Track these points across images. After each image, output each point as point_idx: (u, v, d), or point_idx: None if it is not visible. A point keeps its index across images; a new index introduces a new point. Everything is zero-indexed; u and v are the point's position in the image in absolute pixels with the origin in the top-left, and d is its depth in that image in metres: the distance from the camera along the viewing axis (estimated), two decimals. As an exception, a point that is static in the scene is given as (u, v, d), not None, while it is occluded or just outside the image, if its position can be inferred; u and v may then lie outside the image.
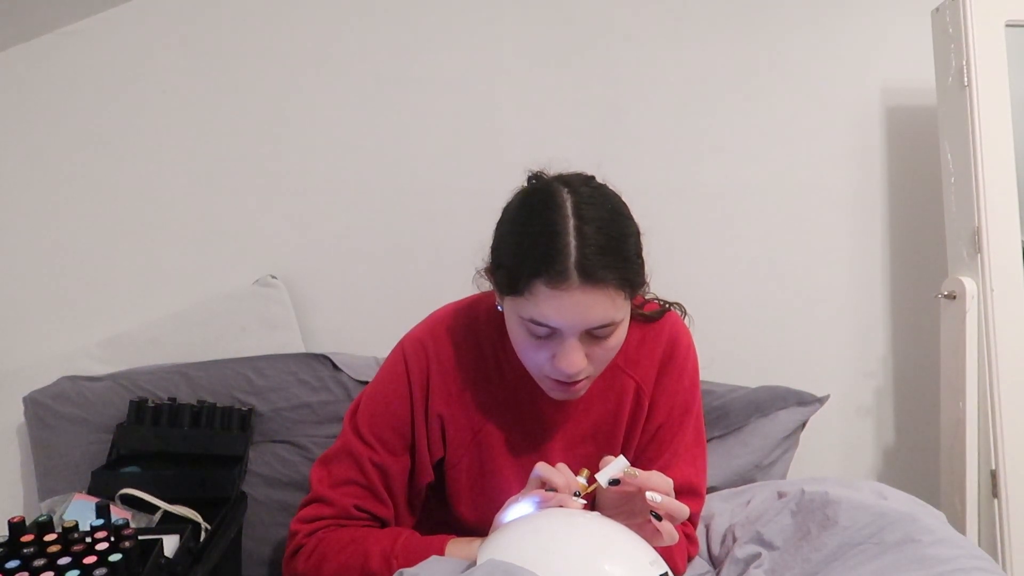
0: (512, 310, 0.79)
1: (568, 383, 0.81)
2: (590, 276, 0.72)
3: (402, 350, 0.93)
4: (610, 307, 0.75)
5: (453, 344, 0.92)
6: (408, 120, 1.51)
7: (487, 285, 0.87)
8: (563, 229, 0.73)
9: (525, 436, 0.93)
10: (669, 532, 0.77)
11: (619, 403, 0.93)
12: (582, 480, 0.79)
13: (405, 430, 0.91)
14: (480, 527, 0.88)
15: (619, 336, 0.80)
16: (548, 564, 0.65)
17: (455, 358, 0.92)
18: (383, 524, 0.92)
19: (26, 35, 1.37)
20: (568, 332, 0.76)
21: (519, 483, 0.82)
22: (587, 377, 0.82)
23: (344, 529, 0.89)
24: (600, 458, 0.80)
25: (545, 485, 0.77)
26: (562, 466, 0.79)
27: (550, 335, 0.77)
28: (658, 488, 0.75)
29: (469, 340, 0.92)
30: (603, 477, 0.76)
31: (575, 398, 0.86)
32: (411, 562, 0.78)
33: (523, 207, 0.80)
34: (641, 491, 0.76)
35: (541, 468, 0.78)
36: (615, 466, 0.77)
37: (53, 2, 1.35)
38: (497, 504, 0.81)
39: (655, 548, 0.73)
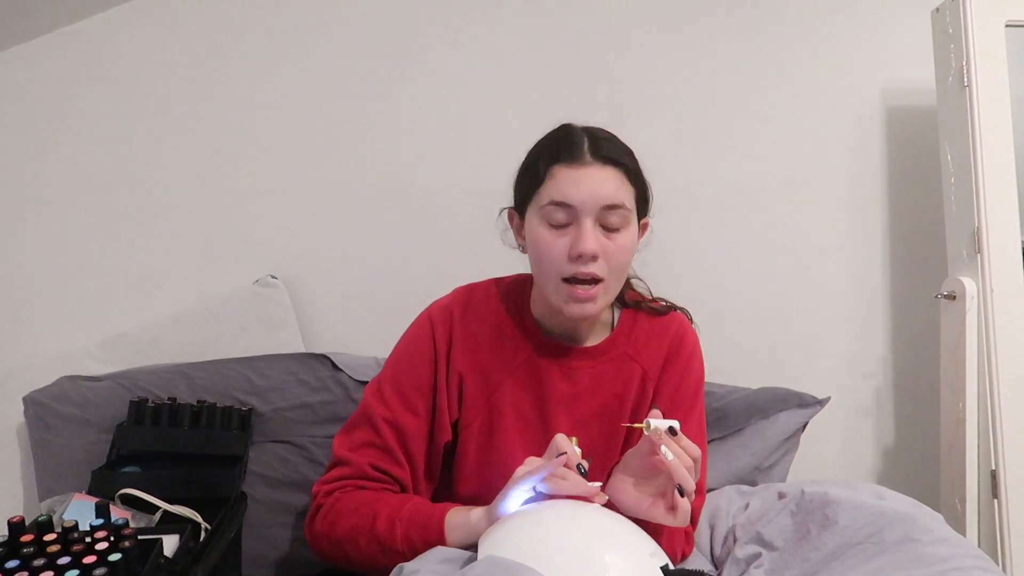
0: (533, 211, 0.88)
1: (583, 291, 0.85)
2: (601, 156, 0.85)
3: (428, 316, 0.98)
4: (621, 187, 0.86)
5: (479, 306, 0.98)
6: (408, 121, 1.52)
7: (510, 238, 0.96)
8: (576, 131, 0.89)
9: (534, 405, 0.96)
10: (684, 512, 0.79)
11: (625, 387, 0.97)
12: (576, 449, 0.82)
13: (427, 389, 0.95)
14: (477, 501, 0.89)
15: (629, 236, 0.88)
16: (549, 556, 0.66)
17: (480, 318, 0.97)
18: (402, 487, 0.95)
19: (26, 35, 1.37)
20: (583, 211, 0.84)
21: (523, 453, 0.86)
22: (600, 283, 0.86)
23: (360, 492, 0.92)
24: (605, 439, 0.88)
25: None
26: (560, 437, 0.82)
27: (568, 224, 0.85)
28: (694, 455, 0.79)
29: (492, 304, 0.99)
30: (655, 422, 0.78)
31: (589, 314, 0.89)
32: (413, 526, 0.84)
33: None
34: (664, 469, 0.79)
35: (561, 439, 0.82)
36: (665, 422, 0.79)
37: (53, 2, 1.35)
38: (498, 473, 0.84)
39: (664, 526, 0.75)
